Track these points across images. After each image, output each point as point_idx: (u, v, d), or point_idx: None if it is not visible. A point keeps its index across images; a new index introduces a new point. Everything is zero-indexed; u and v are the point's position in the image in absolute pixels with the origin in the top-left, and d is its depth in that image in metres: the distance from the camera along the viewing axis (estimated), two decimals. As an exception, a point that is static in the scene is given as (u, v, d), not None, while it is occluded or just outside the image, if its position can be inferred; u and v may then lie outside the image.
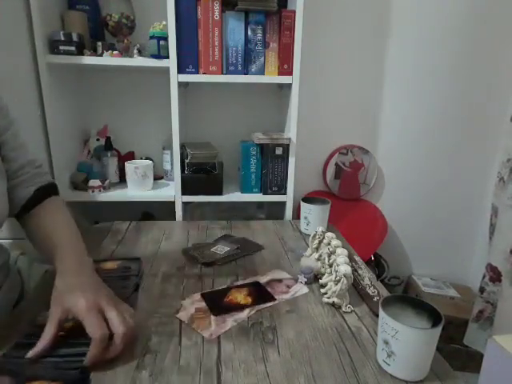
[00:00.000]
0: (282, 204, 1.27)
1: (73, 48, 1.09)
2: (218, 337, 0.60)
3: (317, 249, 0.84)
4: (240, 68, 1.15)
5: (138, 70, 1.31)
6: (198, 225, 1.11)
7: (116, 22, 1.15)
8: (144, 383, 0.50)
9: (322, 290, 0.75)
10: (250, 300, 0.70)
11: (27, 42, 1.06)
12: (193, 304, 0.69)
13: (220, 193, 1.24)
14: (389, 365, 0.53)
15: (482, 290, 1.31)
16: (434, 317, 0.52)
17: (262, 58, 1.15)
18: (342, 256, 0.71)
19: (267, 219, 1.29)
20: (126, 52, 1.15)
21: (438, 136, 1.50)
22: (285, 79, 1.15)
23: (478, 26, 1.38)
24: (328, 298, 0.71)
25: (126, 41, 1.15)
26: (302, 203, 1.06)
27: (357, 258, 0.86)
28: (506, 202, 1.22)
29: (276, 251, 0.94)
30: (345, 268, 0.68)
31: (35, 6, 1.03)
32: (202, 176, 1.21)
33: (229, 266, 0.85)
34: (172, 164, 1.24)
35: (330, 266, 0.75)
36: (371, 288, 0.74)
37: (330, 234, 0.80)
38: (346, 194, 1.51)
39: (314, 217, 1.04)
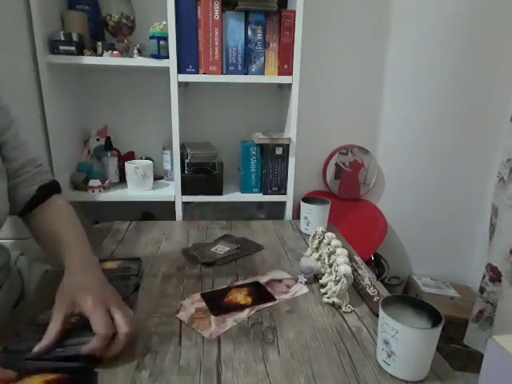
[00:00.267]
0: (282, 204, 1.27)
1: (73, 48, 1.09)
2: (218, 337, 0.60)
3: (317, 249, 0.84)
4: (240, 68, 1.15)
5: (138, 70, 1.31)
6: (197, 225, 1.11)
7: (116, 22, 1.16)
8: (144, 383, 0.50)
9: (322, 290, 0.75)
10: (250, 300, 0.70)
11: (27, 42, 1.06)
12: (193, 304, 0.69)
13: (220, 193, 1.24)
14: (389, 365, 0.53)
15: (482, 289, 1.31)
16: (434, 317, 0.52)
17: (262, 58, 1.15)
18: (341, 256, 0.71)
19: (267, 219, 1.29)
20: (126, 52, 1.15)
21: (437, 136, 1.50)
22: (285, 79, 1.15)
23: (478, 26, 1.38)
24: (328, 297, 0.71)
25: (126, 41, 1.15)
26: (302, 203, 1.06)
27: (357, 258, 0.86)
28: (506, 202, 1.22)
29: (276, 251, 0.94)
30: (345, 268, 0.68)
31: (35, 6, 1.03)
32: (201, 176, 1.21)
33: (229, 266, 0.85)
34: (172, 164, 1.24)
35: (330, 265, 0.75)
36: (371, 288, 0.74)
37: (329, 234, 0.80)
38: (346, 194, 1.51)
39: (313, 217, 1.04)
